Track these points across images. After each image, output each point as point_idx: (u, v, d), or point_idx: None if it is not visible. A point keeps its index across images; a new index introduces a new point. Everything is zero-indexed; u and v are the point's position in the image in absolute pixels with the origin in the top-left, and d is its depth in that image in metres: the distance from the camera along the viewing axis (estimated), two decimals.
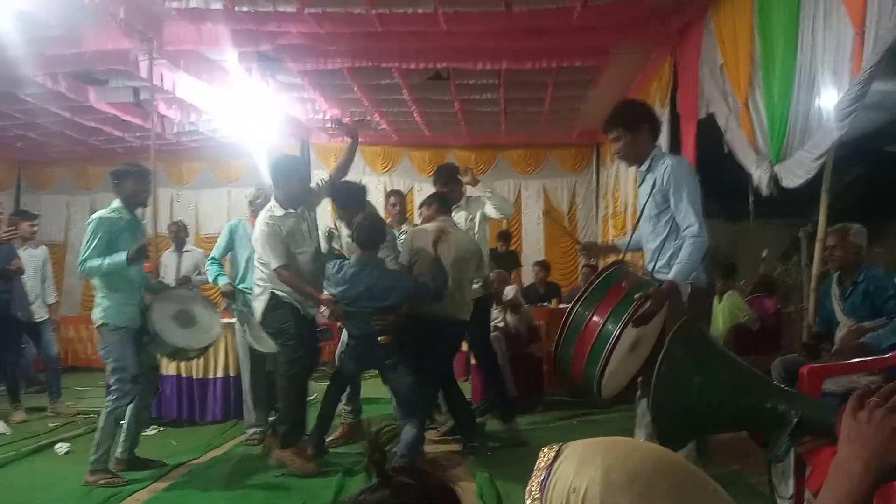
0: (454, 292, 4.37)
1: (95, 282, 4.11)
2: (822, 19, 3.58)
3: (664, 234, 3.23)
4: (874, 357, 2.70)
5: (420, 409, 4.17)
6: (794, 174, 3.90)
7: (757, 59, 4.44)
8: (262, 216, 4.23)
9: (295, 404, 4.23)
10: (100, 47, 6.10)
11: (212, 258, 5.13)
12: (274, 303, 4.20)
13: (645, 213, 3.32)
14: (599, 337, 2.64)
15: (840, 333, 3.64)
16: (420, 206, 4.91)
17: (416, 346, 4.19)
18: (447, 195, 4.78)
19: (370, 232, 4.12)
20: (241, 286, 4.94)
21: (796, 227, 6.85)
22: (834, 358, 3.13)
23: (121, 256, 3.92)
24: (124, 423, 4.12)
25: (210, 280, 5.31)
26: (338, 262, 4.18)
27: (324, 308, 4.24)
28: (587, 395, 6.04)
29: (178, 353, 4.42)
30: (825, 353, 3.69)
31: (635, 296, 2.75)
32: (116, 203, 4.13)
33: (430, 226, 4.51)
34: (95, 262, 3.93)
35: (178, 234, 7.04)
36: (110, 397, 3.98)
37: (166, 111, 8.21)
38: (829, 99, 3.54)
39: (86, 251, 3.96)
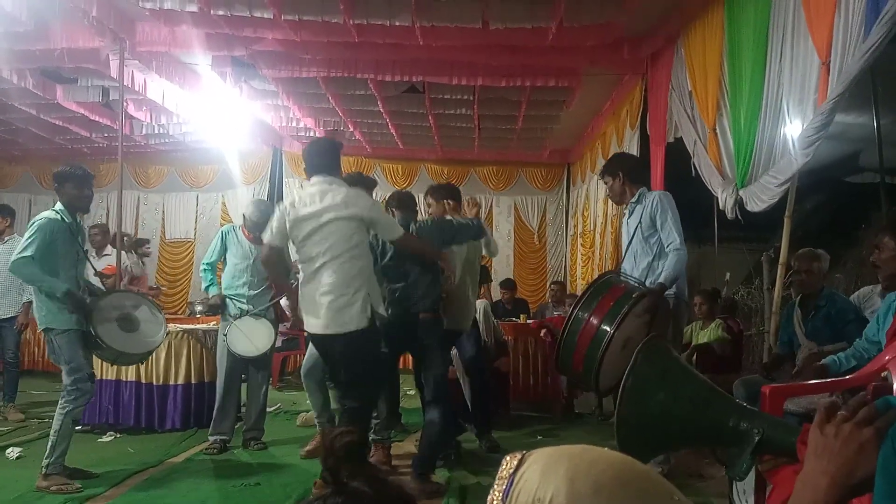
0: (461, 299, 4.48)
1: (57, 295, 3.95)
2: (789, 49, 3.69)
3: (654, 253, 3.83)
4: (834, 379, 2.76)
5: (445, 399, 4.08)
6: (759, 199, 3.99)
7: (725, 86, 4.55)
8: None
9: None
10: (70, 44, 5.99)
11: (206, 264, 5.07)
12: None
13: (636, 236, 3.88)
14: (597, 335, 3.02)
15: (801, 355, 3.73)
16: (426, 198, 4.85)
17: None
18: (454, 190, 4.80)
19: (409, 198, 4.49)
20: (228, 292, 4.92)
21: (758, 252, 6.99)
22: (795, 379, 3.20)
23: (60, 286, 3.84)
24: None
25: (203, 288, 5.25)
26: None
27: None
28: (552, 410, 6.15)
29: (120, 358, 4.33)
30: (785, 375, 3.76)
31: (633, 294, 3.19)
32: (59, 206, 4.05)
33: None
34: (34, 270, 3.85)
35: (104, 238, 6.78)
36: (68, 398, 3.89)
37: (135, 112, 8.09)
38: (794, 127, 3.64)
39: (23, 248, 3.85)
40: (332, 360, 3.82)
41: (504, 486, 0.83)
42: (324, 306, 3.59)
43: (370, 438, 4.47)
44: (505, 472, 0.84)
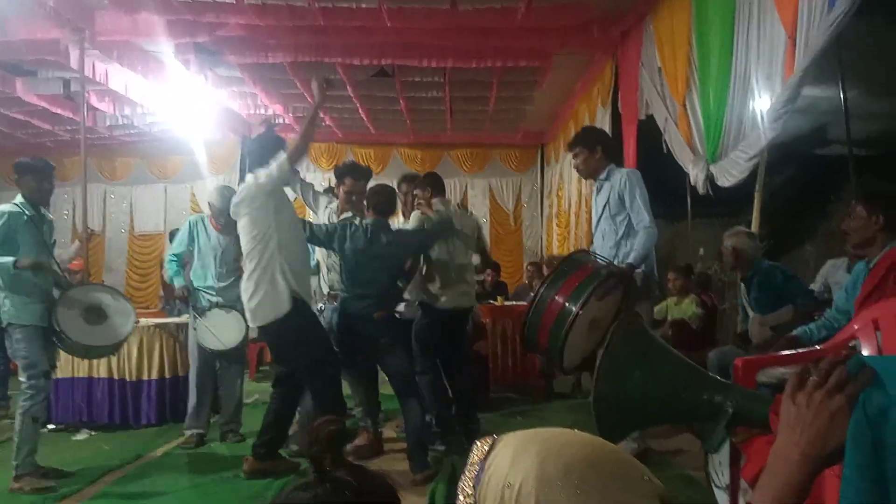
0: (458, 279, 4.46)
1: (2, 276, 3.90)
2: (756, 24, 3.70)
3: (621, 232, 3.80)
4: (806, 349, 2.79)
5: (418, 388, 4.12)
6: (729, 174, 4.02)
7: (694, 62, 4.56)
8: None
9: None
10: (28, 36, 5.85)
11: (173, 255, 4.97)
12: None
13: (604, 214, 3.85)
14: (561, 314, 2.97)
15: (751, 328, 3.86)
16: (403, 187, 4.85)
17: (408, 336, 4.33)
18: (437, 179, 4.75)
19: (385, 198, 4.20)
20: (197, 284, 4.83)
21: (731, 227, 7.06)
22: (756, 351, 3.26)
23: (6, 260, 3.76)
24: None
25: (167, 278, 5.18)
26: (345, 224, 4.16)
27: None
28: (531, 391, 6.18)
29: (88, 352, 4.30)
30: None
31: (602, 272, 3.14)
32: (20, 198, 3.97)
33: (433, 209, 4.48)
34: None
35: None
36: (24, 397, 3.82)
37: (98, 104, 7.91)
38: (762, 101, 3.65)
39: None
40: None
41: (475, 472, 0.81)
42: (245, 303, 3.79)
43: (359, 425, 4.50)
44: (476, 458, 0.83)
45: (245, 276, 3.84)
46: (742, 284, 4.18)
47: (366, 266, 3.99)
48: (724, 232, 4.39)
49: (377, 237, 4.01)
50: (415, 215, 4.46)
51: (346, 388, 4.95)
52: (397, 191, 4.80)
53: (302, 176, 5.12)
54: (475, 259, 4.84)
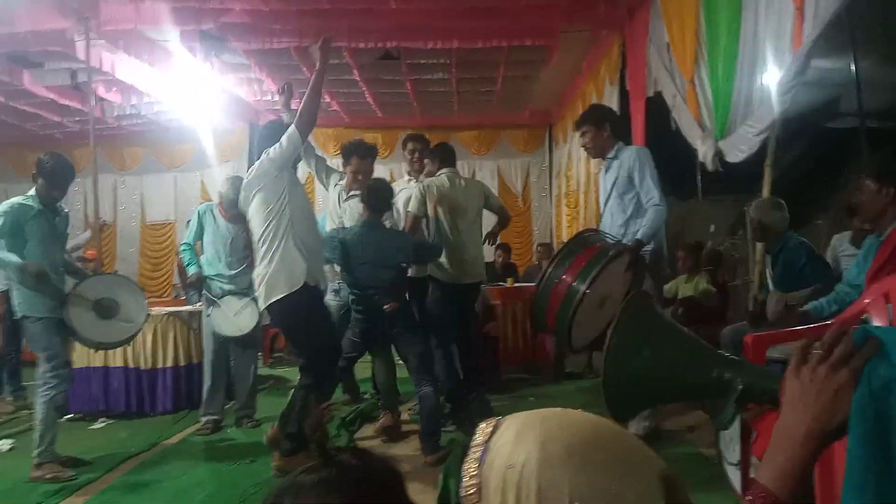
0: (461, 252, 4.42)
1: (10, 274, 3.93)
2: None
3: (630, 211, 3.80)
4: (817, 324, 2.78)
5: (433, 374, 4.13)
6: (738, 149, 3.97)
7: (702, 37, 4.49)
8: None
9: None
10: (34, 27, 5.85)
11: (185, 244, 5.01)
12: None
13: (613, 193, 3.84)
14: (568, 293, 3.00)
15: (770, 304, 3.80)
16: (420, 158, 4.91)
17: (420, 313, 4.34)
18: (448, 150, 4.75)
19: (380, 195, 4.17)
20: (209, 272, 4.87)
21: (742, 203, 6.99)
22: (770, 327, 3.24)
23: (11, 260, 3.76)
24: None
25: (184, 266, 5.24)
26: (333, 234, 4.20)
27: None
28: (542, 371, 6.19)
29: (99, 346, 4.36)
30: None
31: (608, 253, 3.16)
32: (33, 190, 3.98)
33: (436, 180, 4.47)
34: None
35: None
36: (46, 386, 3.85)
37: (106, 94, 7.93)
38: (771, 75, 3.60)
39: None
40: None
41: (479, 454, 0.81)
42: (258, 286, 3.74)
43: (378, 405, 4.60)
44: (480, 440, 0.83)
45: (259, 261, 3.73)
46: (768, 257, 4.07)
47: (363, 268, 4.03)
48: (734, 208, 4.33)
49: (368, 242, 4.03)
50: (417, 187, 4.50)
51: (359, 374, 5.02)
52: (403, 150, 4.91)
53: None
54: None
